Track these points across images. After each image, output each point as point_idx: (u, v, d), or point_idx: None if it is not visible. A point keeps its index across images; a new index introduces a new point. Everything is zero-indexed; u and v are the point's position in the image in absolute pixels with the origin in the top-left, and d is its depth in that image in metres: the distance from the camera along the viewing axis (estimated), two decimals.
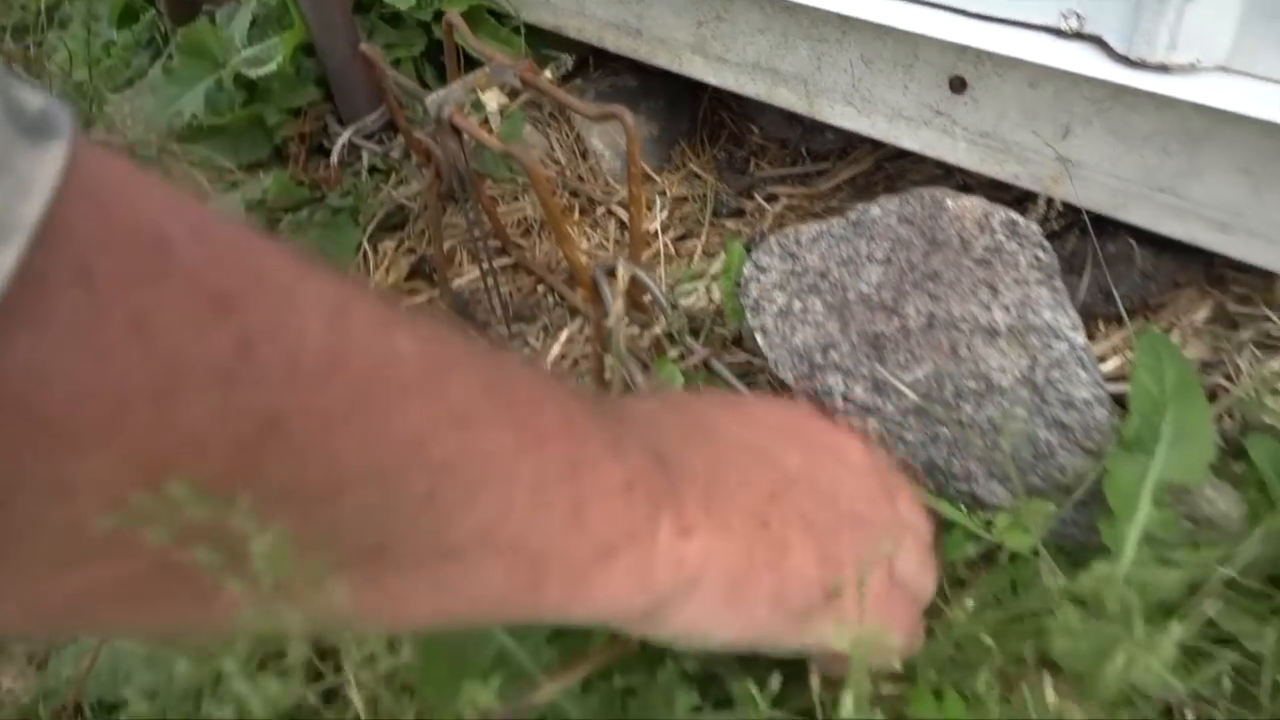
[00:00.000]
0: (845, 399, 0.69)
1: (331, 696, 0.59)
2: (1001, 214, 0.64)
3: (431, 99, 0.79)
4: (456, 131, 0.80)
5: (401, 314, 0.31)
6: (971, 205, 0.65)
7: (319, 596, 0.28)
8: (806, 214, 1.01)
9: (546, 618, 0.36)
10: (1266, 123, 0.61)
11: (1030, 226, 0.64)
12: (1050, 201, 0.74)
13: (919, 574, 0.47)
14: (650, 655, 0.54)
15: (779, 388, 0.75)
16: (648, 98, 1.14)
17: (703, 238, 1.02)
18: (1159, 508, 0.58)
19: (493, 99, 0.87)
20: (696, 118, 1.16)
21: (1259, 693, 0.51)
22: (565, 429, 0.35)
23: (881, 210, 0.70)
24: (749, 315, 0.75)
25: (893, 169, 1.01)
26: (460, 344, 0.33)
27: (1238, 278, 0.73)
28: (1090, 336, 0.76)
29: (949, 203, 0.66)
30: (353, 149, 1.14)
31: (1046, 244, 0.63)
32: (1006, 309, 0.64)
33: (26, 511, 0.22)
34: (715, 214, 1.04)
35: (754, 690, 0.52)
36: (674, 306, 0.77)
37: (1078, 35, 0.69)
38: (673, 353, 0.82)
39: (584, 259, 0.81)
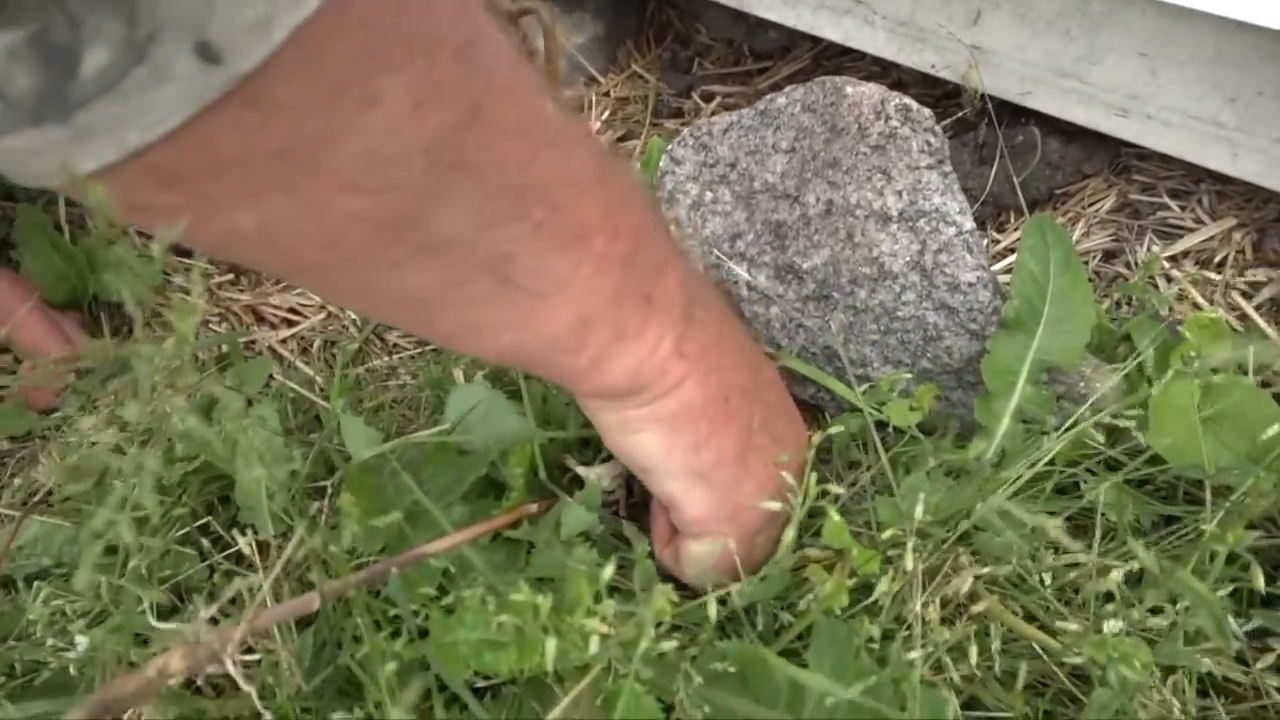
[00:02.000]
0: (749, 287, 0.70)
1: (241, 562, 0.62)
2: (897, 100, 0.65)
3: None
4: None
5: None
6: (869, 91, 0.66)
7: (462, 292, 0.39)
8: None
9: (564, 381, 0.47)
10: (1160, 2, 0.61)
11: (923, 111, 0.64)
12: (980, 94, 0.74)
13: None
14: (553, 519, 0.57)
15: None
16: None
17: (642, 138, 1.02)
18: (1035, 387, 0.60)
19: None
20: (644, 16, 1.15)
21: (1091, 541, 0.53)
22: (635, 231, 0.43)
23: (787, 99, 0.70)
24: (664, 208, 0.76)
25: (831, 67, 1.01)
26: (584, 127, 0.41)
27: (1142, 167, 0.73)
28: (999, 229, 0.77)
29: (849, 90, 0.66)
30: None
31: (938, 129, 0.63)
32: (899, 194, 0.64)
33: (344, 116, 0.30)
34: (656, 114, 1.04)
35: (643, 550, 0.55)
36: None
37: None
38: None
39: None
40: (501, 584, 0.53)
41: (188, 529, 0.63)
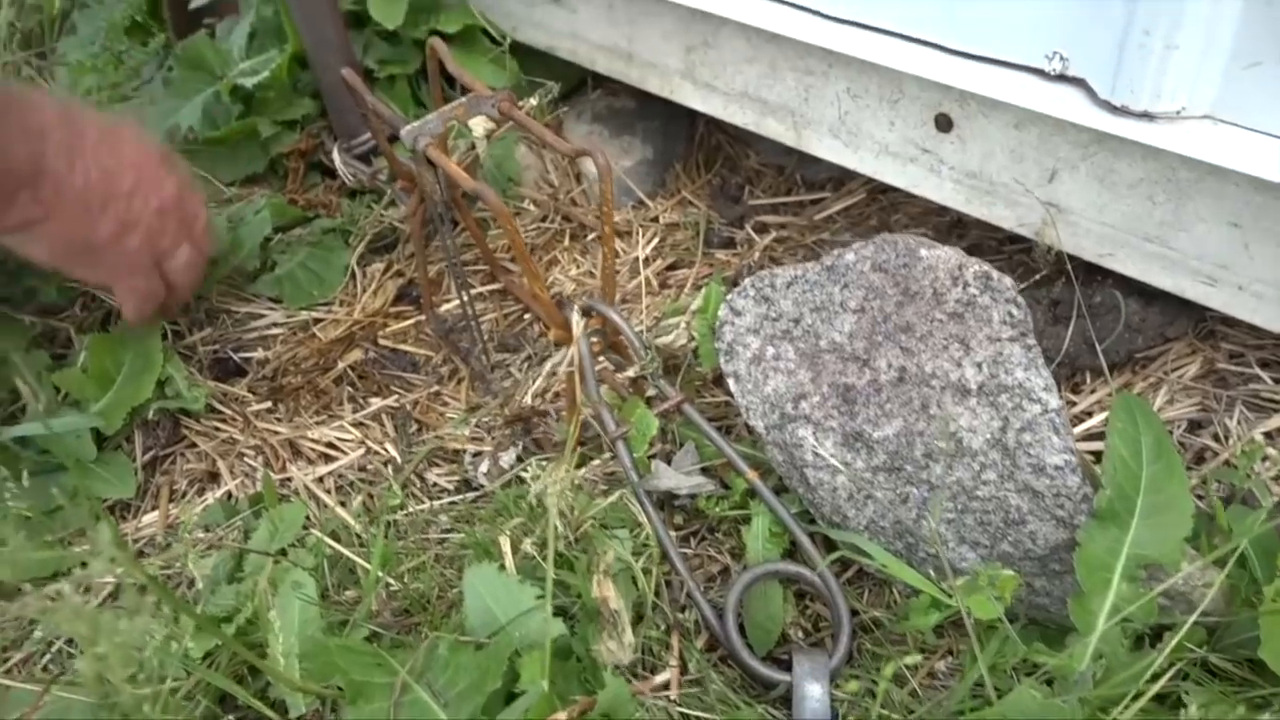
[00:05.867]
0: (815, 453, 0.67)
1: None
2: (975, 266, 0.62)
3: (407, 130, 0.78)
4: (433, 163, 0.79)
5: None
6: (945, 256, 0.63)
7: None
8: (797, 245, 0.98)
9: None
10: (1254, 177, 0.58)
11: (1004, 280, 0.61)
12: (1056, 251, 0.71)
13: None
14: None
15: (754, 433, 0.72)
16: (644, 119, 1.12)
17: (693, 269, 1.00)
18: (1131, 584, 0.55)
19: (479, 124, 0.85)
20: (693, 141, 1.14)
21: None
22: None
23: (856, 256, 0.67)
24: (722, 360, 0.73)
25: (886, 201, 0.98)
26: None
27: (1229, 333, 0.69)
28: (1075, 390, 0.73)
29: (923, 252, 0.64)
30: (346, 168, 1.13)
31: (1020, 300, 0.60)
32: (978, 366, 0.61)
33: None
34: (707, 244, 1.01)
35: None
36: (648, 349, 0.75)
37: (1062, 78, 0.66)
38: (652, 391, 0.80)
39: (552, 298, 0.79)
40: None
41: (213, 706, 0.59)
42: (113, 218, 0.78)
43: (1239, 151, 0.59)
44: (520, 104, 0.89)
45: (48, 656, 0.72)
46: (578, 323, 0.69)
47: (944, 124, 0.73)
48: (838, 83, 0.78)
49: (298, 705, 0.59)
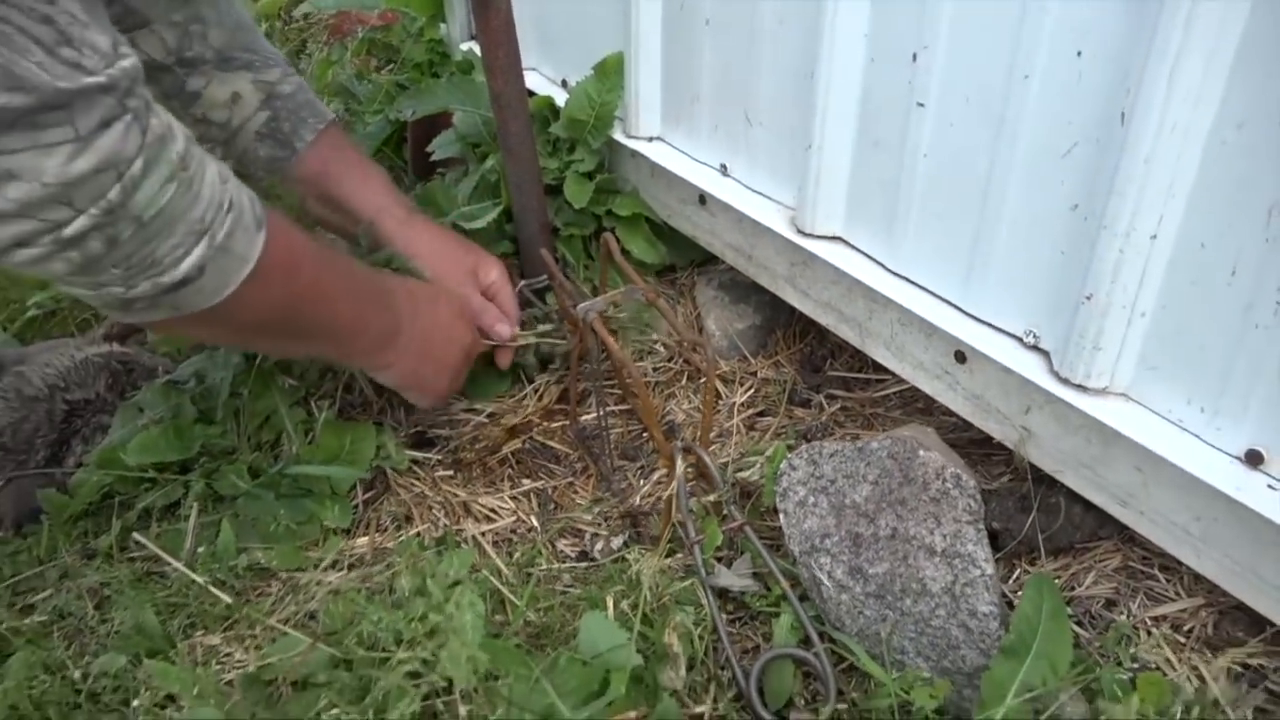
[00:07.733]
0: (829, 576, 0.96)
1: None
2: (952, 469, 0.91)
3: (581, 306, 1.12)
4: (595, 331, 1.13)
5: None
6: (934, 458, 0.92)
7: None
8: (857, 414, 1.28)
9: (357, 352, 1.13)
10: (1145, 448, 0.86)
11: (969, 482, 0.90)
12: (1026, 462, 1.00)
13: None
14: None
15: (791, 554, 1.02)
16: (758, 293, 1.44)
17: (776, 418, 1.30)
18: (1020, 703, 0.82)
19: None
20: (793, 314, 1.45)
21: None
22: (356, 298, 1.07)
23: (879, 445, 0.97)
24: (778, 499, 1.03)
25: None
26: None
27: (1145, 540, 0.96)
28: (1031, 563, 1.01)
29: (921, 453, 0.93)
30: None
31: (978, 496, 0.89)
32: (944, 537, 0.90)
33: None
34: (789, 401, 1.32)
35: None
36: (725, 483, 1.06)
37: (1034, 348, 0.96)
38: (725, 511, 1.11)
39: (666, 440, 1.11)
40: None
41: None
42: (433, 363, 1.17)
43: (1140, 425, 0.87)
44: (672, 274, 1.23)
45: (299, 615, 1.06)
46: (679, 461, 1.01)
47: (961, 358, 1.03)
48: (892, 312, 1.09)
49: (469, 679, 0.91)
